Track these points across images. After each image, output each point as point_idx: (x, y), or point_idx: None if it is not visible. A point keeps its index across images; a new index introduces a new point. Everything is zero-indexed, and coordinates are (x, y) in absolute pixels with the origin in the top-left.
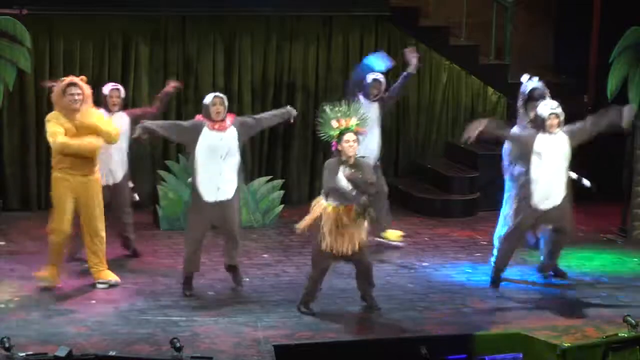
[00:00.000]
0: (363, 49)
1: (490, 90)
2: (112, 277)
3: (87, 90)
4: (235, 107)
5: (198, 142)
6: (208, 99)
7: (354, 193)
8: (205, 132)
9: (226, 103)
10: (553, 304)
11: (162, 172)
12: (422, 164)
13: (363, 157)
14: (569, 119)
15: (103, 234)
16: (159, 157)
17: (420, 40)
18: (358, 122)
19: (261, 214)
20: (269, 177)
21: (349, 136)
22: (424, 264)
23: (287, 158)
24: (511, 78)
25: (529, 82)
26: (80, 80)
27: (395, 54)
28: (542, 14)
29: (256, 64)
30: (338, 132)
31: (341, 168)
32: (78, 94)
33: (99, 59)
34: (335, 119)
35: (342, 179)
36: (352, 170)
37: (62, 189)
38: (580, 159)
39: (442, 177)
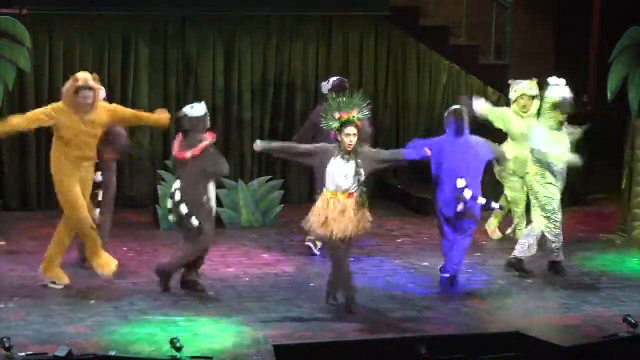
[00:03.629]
0: (363, 49)
1: (490, 90)
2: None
3: (99, 90)
4: (235, 107)
5: None
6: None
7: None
8: None
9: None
10: (553, 303)
11: (162, 172)
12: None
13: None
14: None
15: None
16: (159, 157)
17: (420, 40)
18: (360, 114)
19: (261, 214)
20: (269, 177)
21: (350, 130)
22: (424, 264)
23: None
24: (511, 78)
25: (560, 87)
26: (93, 79)
27: (395, 54)
28: (542, 14)
29: (256, 64)
30: (339, 124)
31: (338, 158)
32: (90, 98)
33: (99, 59)
34: (338, 111)
35: (334, 167)
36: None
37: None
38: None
39: None
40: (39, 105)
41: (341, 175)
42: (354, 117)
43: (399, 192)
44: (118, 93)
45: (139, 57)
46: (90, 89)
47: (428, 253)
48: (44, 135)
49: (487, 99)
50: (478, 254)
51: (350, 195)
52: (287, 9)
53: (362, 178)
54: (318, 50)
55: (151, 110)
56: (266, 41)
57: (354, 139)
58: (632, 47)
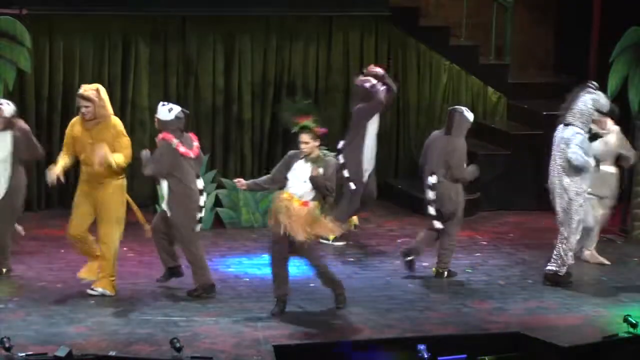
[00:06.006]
0: (363, 49)
1: (490, 90)
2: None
3: (96, 98)
4: (236, 107)
5: None
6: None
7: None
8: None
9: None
10: (553, 303)
11: None
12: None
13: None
14: None
15: (106, 240)
16: None
17: (420, 40)
18: (314, 122)
19: (261, 214)
20: None
21: (304, 137)
22: (424, 264)
23: None
24: (511, 78)
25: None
26: (95, 90)
27: (396, 54)
28: (542, 14)
29: (256, 64)
30: (298, 128)
31: (301, 162)
32: (85, 107)
33: (99, 59)
34: (293, 115)
35: (296, 170)
36: (319, 171)
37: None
38: None
39: None
40: (39, 105)
41: (299, 179)
42: (308, 124)
43: (399, 192)
44: (118, 93)
45: (139, 57)
46: (83, 98)
47: (428, 253)
48: (44, 135)
49: (487, 99)
50: (478, 254)
51: (305, 203)
52: (287, 9)
53: (328, 187)
54: (318, 50)
55: (151, 110)
56: (266, 41)
57: (310, 143)
58: (632, 47)
